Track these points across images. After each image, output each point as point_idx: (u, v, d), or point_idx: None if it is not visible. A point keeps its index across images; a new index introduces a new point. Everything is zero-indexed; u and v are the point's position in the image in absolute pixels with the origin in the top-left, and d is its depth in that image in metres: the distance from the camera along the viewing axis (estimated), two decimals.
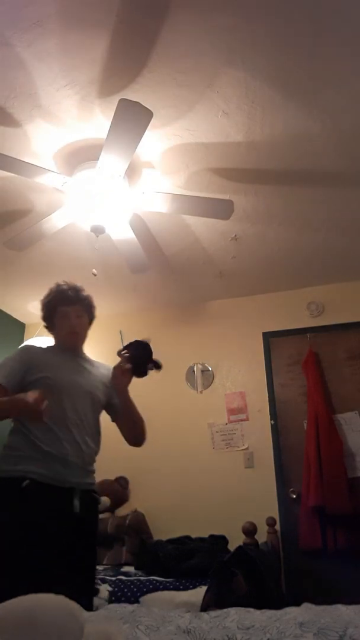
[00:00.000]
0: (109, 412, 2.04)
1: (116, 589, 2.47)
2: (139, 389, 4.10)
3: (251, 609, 1.20)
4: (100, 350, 4.16)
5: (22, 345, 1.94)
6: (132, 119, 1.86)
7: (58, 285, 2.04)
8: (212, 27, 1.73)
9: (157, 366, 1.94)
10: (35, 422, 1.68)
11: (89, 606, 1.63)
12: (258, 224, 2.92)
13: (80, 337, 2.02)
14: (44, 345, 2.02)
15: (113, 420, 2.04)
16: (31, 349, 1.97)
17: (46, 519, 1.60)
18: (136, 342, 1.98)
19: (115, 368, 1.92)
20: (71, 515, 1.68)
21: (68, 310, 1.97)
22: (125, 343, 2.01)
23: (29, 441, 1.70)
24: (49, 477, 1.67)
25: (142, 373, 1.94)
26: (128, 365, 1.90)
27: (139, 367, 1.92)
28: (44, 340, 3.83)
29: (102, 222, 2.32)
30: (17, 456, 1.69)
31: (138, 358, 1.93)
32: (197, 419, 3.67)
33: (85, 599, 1.60)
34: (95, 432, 1.91)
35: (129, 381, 1.94)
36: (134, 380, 1.99)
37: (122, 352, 1.94)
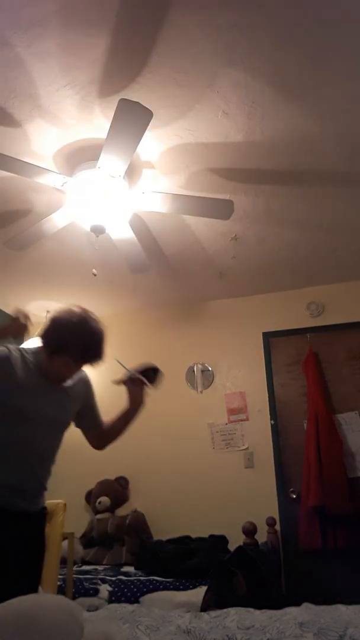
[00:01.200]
0: (74, 419, 1.91)
1: (116, 589, 2.47)
2: None
3: (251, 609, 1.20)
4: None
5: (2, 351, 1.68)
6: (132, 119, 1.86)
7: (84, 334, 1.71)
8: (212, 27, 1.73)
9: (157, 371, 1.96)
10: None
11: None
12: (258, 224, 2.92)
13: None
14: (27, 353, 1.76)
15: (77, 426, 1.93)
16: (8, 361, 1.68)
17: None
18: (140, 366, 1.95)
19: (134, 384, 1.89)
20: (19, 536, 1.65)
21: (73, 365, 1.74)
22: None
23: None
24: (5, 502, 1.61)
25: (154, 381, 1.94)
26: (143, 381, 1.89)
27: (150, 378, 1.94)
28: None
29: (102, 222, 2.32)
30: None
31: (147, 371, 1.93)
32: (197, 419, 3.67)
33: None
34: (54, 459, 1.81)
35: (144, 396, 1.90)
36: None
37: (133, 374, 1.91)
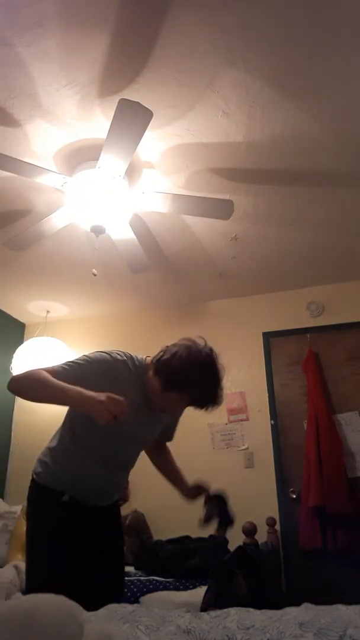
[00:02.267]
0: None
1: None
2: None
3: (251, 609, 1.20)
4: (100, 349, 4.16)
5: (113, 359, 1.60)
6: (132, 119, 1.86)
7: (206, 382, 1.63)
8: (212, 27, 1.73)
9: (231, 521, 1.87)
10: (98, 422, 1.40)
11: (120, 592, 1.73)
12: (258, 224, 2.92)
13: None
14: (135, 366, 1.67)
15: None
16: (118, 372, 1.60)
17: (80, 527, 1.63)
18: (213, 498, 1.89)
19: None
20: (106, 522, 1.75)
21: (185, 406, 1.69)
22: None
23: (70, 466, 1.66)
24: (83, 499, 1.66)
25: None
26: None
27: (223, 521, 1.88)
28: (44, 341, 3.83)
29: (102, 222, 2.32)
30: (58, 474, 1.66)
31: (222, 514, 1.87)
32: (197, 419, 3.65)
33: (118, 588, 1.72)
34: (133, 466, 1.87)
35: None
36: None
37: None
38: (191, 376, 1.58)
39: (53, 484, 1.64)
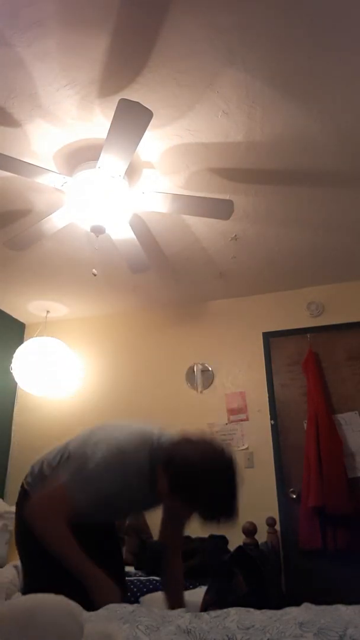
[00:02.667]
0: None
1: None
2: (139, 388, 4.11)
3: (251, 609, 1.20)
4: (100, 349, 4.17)
5: (129, 458, 1.47)
6: (132, 119, 1.86)
7: (231, 494, 1.45)
8: (212, 27, 1.73)
9: None
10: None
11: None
12: (258, 224, 2.92)
13: None
14: (149, 455, 1.50)
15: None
16: (130, 468, 1.48)
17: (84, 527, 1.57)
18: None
19: None
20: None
21: (190, 517, 1.56)
22: None
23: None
24: None
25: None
26: None
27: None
28: (44, 340, 3.83)
29: (102, 222, 2.32)
30: None
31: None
32: (197, 419, 3.67)
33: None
34: None
35: None
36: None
37: None
38: (201, 489, 1.40)
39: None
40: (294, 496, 3.26)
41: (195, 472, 1.41)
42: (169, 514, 1.73)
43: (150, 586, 2.47)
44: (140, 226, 2.83)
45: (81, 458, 1.51)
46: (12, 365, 3.72)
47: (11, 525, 2.94)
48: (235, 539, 2.77)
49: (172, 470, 1.45)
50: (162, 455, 1.49)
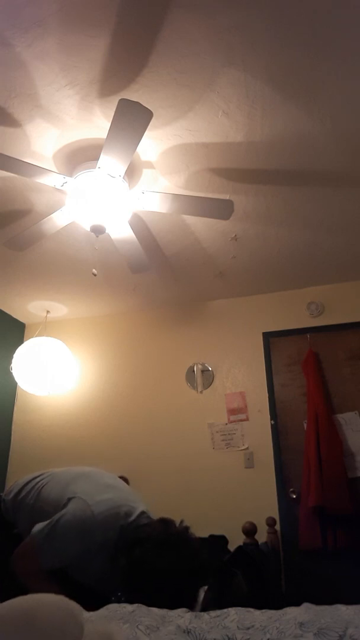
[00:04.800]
0: None
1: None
2: (139, 388, 4.11)
3: (251, 609, 1.20)
4: (100, 349, 4.17)
5: (85, 525, 1.51)
6: (132, 119, 1.86)
7: (191, 585, 1.42)
8: (212, 27, 1.73)
9: None
10: None
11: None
12: (258, 224, 2.92)
13: None
14: (115, 527, 1.55)
15: None
16: (97, 536, 1.52)
17: None
18: None
19: None
20: None
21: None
22: None
23: None
24: None
25: None
26: None
27: None
28: (44, 340, 3.84)
29: (102, 222, 2.32)
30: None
31: None
32: (197, 419, 3.67)
33: None
34: None
35: None
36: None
37: None
38: (154, 585, 1.37)
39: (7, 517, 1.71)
40: (294, 496, 3.26)
41: (151, 577, 1.36)
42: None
43: None
44: (140, 226, 2.83)
45: (53, 511, 1.57)
46: (12, 365, 3.72)
47: None
48: (235, 539, 2.77)
49: (129, 564, 1.43)
50: (128, 539, 1.49)
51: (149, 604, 1.26)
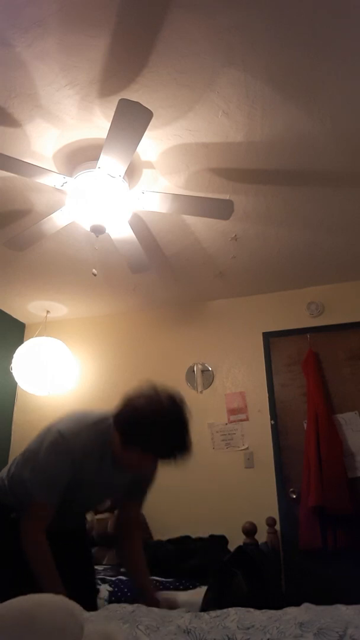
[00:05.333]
0: (124, 493, 1.83)
1: (116, 589, 2.47)
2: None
3: (251, 609, 1.20)
4: (100, 349, 4.16)
5: (57, 437, 1.53)
6: (132, 119, 1.86)
7: (170, 431, 1.52)
8: (212, 27, 1.73)
9: None
10: None
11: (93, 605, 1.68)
12: (258, 224, 2.92)
13: None
14: (93, 435, 1.58)
15: (115, 504, 1.85)
16: (75, 446, 1.53)
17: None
18: None
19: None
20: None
21: (151, 460, 1.61)
22: None
23: None
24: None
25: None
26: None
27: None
28: (44, 340, 3.84)
29: (102, 222, 2.32)
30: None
31: None
32: (197, 419, 3.65)
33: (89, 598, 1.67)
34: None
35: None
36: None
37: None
38: (144, 428, 1.48)
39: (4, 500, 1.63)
40: (294, 496, 3.26)
41: (142, 412, 1.49)
42: (132, 482, 1.74)
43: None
44: (140, 226, 2.83)
45: (34, 452, 1.58)
46: (12, 365, 3.72)
47: None
48: (235, 539, 2.77)
49: (121, 421, 1.53)
50: (111, 424, 1.57)
51: (154, 446, 1.48)
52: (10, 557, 1.56)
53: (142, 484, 1.82)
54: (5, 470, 1.76)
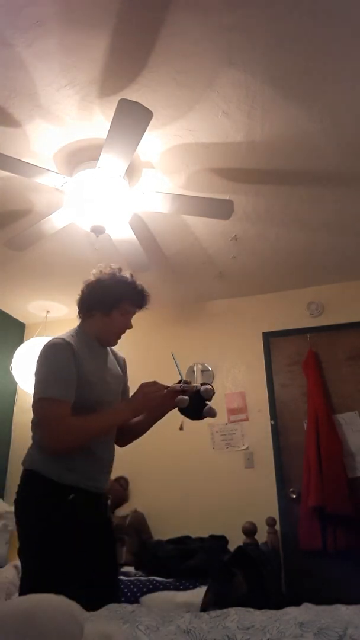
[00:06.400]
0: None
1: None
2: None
3: (251, 609, 1.20)
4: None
5: (53, 344, 1.68)
6: (132, 119, 1.86)
7: (133, 282, 1.84)
8: (212, 27, 1.73)
9: (213, 414, 1.76)
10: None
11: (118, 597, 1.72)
12: (258, 224, 2.92)
13: None
14: (72, 338, 1.76)
15: None
16: (70, 347, 1.68)
17: (87, 525, 1.63)
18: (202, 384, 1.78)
19: (167, 390, 1.75)
20: (103, 519, 1.75)
21: (133, 312, 1.89)
22: (180, 367, 1.89)
23: (86, 449, 1.65)
24: (93, 485, 1.68)
25: (197, 414, 1.75)
26: (184, 398, 1.74)
27: (196, 407, 1.73)
28: (44, 341, 3.83)
29: (102, 222, 2.33)
30: (64, 460, 1.63)
31: (198, 399, 1.73)
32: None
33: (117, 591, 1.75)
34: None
35: (170, 409, 1.80)
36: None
37: (183, 385, 1.76)
38: (117, 286, 1.82)
39: (54, 475, 1.60)
40: (294, 496, 3.26)
41: (109, 281, 1.84)
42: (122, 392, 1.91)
43: (150, 586, 2.47)
44: (140, 226, 2.83)
45: (37, 372, 1.66)
46: (12, 365, 3.72)
47: (11, 525, 2.94)
48: (235, 539, 2.77)
49: (94, 299, 1.85)
50: (78, 325, 1.90)
51: (127, 296, 1.83)
52: (73, 536, 1.56)
53: (126, 389, 1.98)
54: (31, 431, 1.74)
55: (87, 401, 1.63)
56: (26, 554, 1.58)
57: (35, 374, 1.65)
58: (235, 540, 2.75)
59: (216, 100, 2.03)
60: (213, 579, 2.18)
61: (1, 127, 2.15)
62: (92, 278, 1.88)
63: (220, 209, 2.42)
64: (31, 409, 1.64)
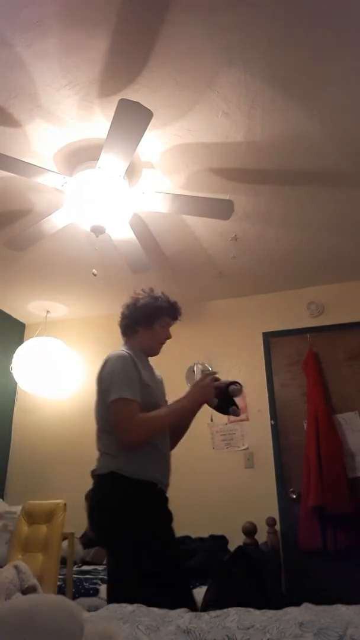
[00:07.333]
0: None
1: None
2: None
3: (251, 609, 1.20)
4: (100, 349, 4.16)
5: (119, 355, 1.88)
6: (132, 119, 1.86)
7: (167, 298, 2.09)
8: (212, 27, 1.73)
9: (237, 413, 1.95)
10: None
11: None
12: (258, 224, 2.92)
13: None
14: (126, 353, 1.93)
15: None
16: (132, 358, 1.89)
17: (169, 519, 1.78)
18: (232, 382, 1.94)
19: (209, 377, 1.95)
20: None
21: (171, 323, 2.08)
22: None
23: (154, 447, 1.80)
24: (164, 483, 1.83)
25: (223, 408, 1.93)
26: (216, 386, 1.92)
27: (224, 400, 1.92)
28: (44, 340, 3.84)
29: (102, 222, 2.32)
30: (142, 462, 1.76)
31: (226, 394, 1.91)
32: (197, 418, 3.66)
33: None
34: None
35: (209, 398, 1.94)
36: None
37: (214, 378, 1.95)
38: (154, 303, 2.04)
39: (136, 473, 1.71)
40: (294, 496, 3.26)
41: (145, 300, 2.06)
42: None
43: None
44: (140, 226, 2.83)
45: (106, 380, 1.83)
46: (12, 365, 3.72)
47: (11, 525, 2.93)
48: (235, 539, 2.77)
49: (136, 315, 2.04)
50: (127, 346, 2.03)
51: (166, 317, 2.07)
52: (169, 524, 1.74)
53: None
54: (97, 443, 1.84)
55: (149, 403, 1.79)
56: (127, 550, 1.64)
57: (105, 382, 1.82)
58: (235, 540, 2.75)
59: (216, 100, 2.03)
60: (213, 578, 2.18)
61: (1, 127, 2.15)
62: (129, 301, 2.08)
63: (220, 209, 2.42)
64: (96, 415, 1.83)
